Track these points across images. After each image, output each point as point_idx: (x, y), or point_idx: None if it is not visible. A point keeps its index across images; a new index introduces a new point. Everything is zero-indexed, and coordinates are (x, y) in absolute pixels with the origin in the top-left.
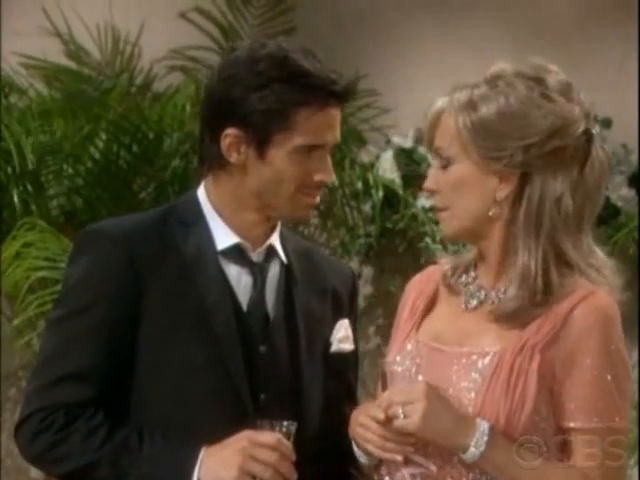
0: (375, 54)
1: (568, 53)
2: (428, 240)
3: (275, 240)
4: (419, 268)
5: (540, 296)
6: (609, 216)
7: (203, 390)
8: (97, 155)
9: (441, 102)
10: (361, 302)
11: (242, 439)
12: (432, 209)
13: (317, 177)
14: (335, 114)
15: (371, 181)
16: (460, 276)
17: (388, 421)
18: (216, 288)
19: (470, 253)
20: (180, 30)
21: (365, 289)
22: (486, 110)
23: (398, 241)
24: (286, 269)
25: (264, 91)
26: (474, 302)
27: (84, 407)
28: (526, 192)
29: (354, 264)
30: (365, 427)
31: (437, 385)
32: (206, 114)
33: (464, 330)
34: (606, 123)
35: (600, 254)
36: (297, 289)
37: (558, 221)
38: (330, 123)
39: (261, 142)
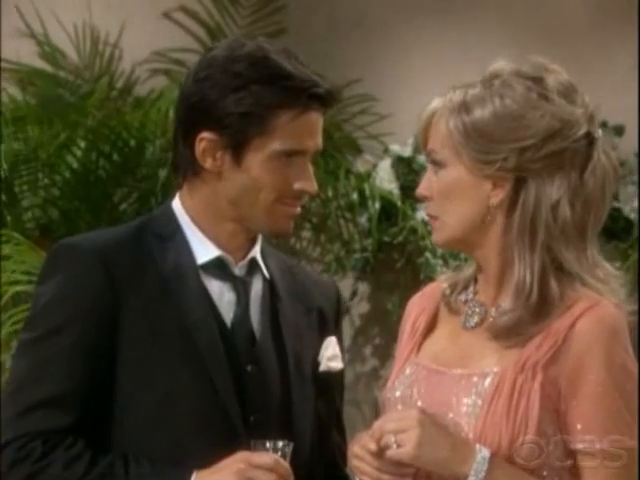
0: (372, 56)
1: (577, 56)
2: (428, 255)
3: (257, 253)
4: (419, 285)
5: (538, 310)
6: (621, 230)
7: (190, 413)
8: (75, 164)
9: (436, 102)
10: (357, 321)
11: (238, 460)
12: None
13: (297, 186)
14: (317, 119)
15: (367, 192)
16: (460, 293)
17: (381, 451)
18: (199, 305)
19: (470, 268)
20: (164, 31)
21: (361, 307)
22: (480, 112)
23: (396, 256)
24: (269, 285)
25: (241, 93)
26: (474, 320)
27: (62, 435)
28: (521, 198)
29: (349, 280)
30: (359, 459)
31: (437, 410)
32: (180, 117)
33: (464, 350)
34: (618, 130)
35: (607, 265)
36: (282, 305)
37: (555, 229)
38: (311, 128)
39: (237, 147)
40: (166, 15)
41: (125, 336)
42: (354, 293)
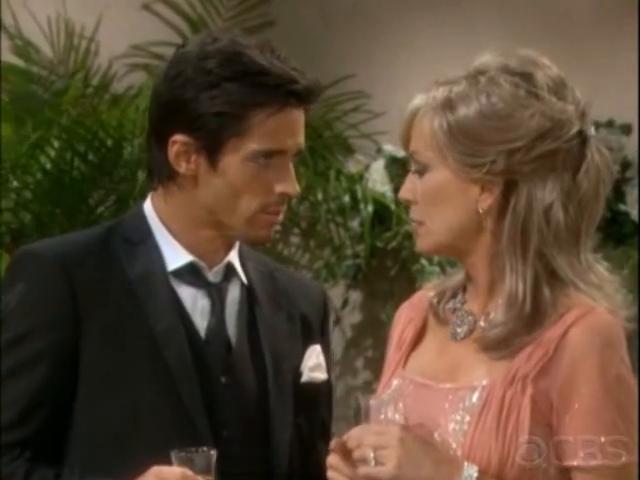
0: (365, 51)
1: (580, 52)
2: (424, 262)
3: (234, 258)
4: (414, 293)
5: (531, 320)
6: (628, 234)
7: (156, 430)
8: (48, 165)
9: (418, 100)
10: (349, 331)
11: (151, 476)
12: None
13: (278, 188)
14: (296, 116)
15: (359, 194)
16: (448, 302)
17: (355, 461)
18: (168, 313)
19: (459, 275)
20: (143, 23)
21: (353, 317)
22: (465, 111)
23: (390, 262)
24: (247, 290)
25: (215, 91)
26: (463, 330)
27: (11, 448)
28: (511, 203)
29: (340, 288)
30: (334, 469)
31: (424, 426)
32: (152, 118)
33: (452, 363)
34: (625, 129)
35: (601, 270)
36: (261, 312)
37: (548, 235)
38: (290, 126)
39: (213, 149)
40: (145, 7)
41: (88, 349)
42: (345, 302)
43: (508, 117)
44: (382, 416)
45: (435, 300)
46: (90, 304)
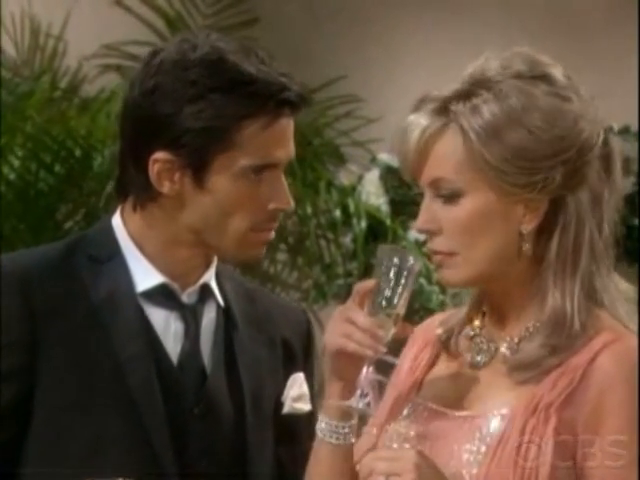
0: (357, 50)
1: (593, 53)
2: (423, 281)
3: (210, 278)
4: (411, 315)
5: (564, 342)
6: None
7: (119, 466)
8: (11, 176)
9: (418, 120)
10: None
11: None
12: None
13: (272, 205)
14: (287, 125)
15: (352, 208)
16: (459, 334)
17: None
18: (135, 338)
19: (463, 308)
20: (115, 21)
21: None
22: (506, 127)
23: None
24: (224, 313)
25: (199, 104)
26: (482, 358)
27: None
28: (559, 220)
29: (331, 310)
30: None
31: (437, 456)
32: (127, 135)
33: (469, 391)
34: None
35: (625, 288)
36: (239, 337)
37: (597, 251)
38: (282, 137)
39: (199, 167)
40: (118, 2)
41: (46, 376)
42: None
43: (553, 128)
44: (395, 444)
45: (444, 337)
46: (48, 327)
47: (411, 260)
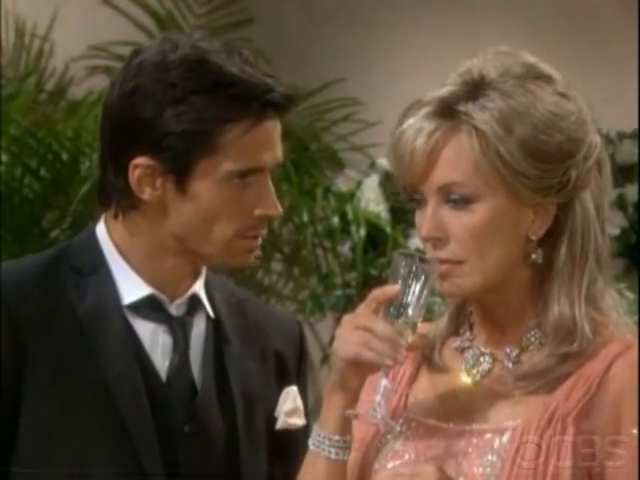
0: (356, 54)
1: (602, 51)
2: None
3: (199, 289)
4: None
5: (575, 350)
6: None
7: None
8: None
9: (428, 123)
10: None
11: None
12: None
13: (258, 211)
14: (273, 128)
15: (350, 215)
16: (443, 343)
17: None
18: (122, 353)
19: (441, 322)
20: (104, 21)
21: None
22: (520, 128)
23: None
24: (214, 325)
25: (180, 107)
26: (480, 371)
27: None
28: (567, 225)
29: (329, 322)
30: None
31: (448, 468)
32: (106, 139)
33: (467, 403)
34: None
35: (612, 290)
36: (230, 350)
37: (602, 258)
38: (267, 140)
39: (181, 172)
40: (106, 1)
41: (29, 396)
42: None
43: (562, 129)
44: (390, 463)
45: (427, 351)
46: (32, 344)
47: (430, 266)
